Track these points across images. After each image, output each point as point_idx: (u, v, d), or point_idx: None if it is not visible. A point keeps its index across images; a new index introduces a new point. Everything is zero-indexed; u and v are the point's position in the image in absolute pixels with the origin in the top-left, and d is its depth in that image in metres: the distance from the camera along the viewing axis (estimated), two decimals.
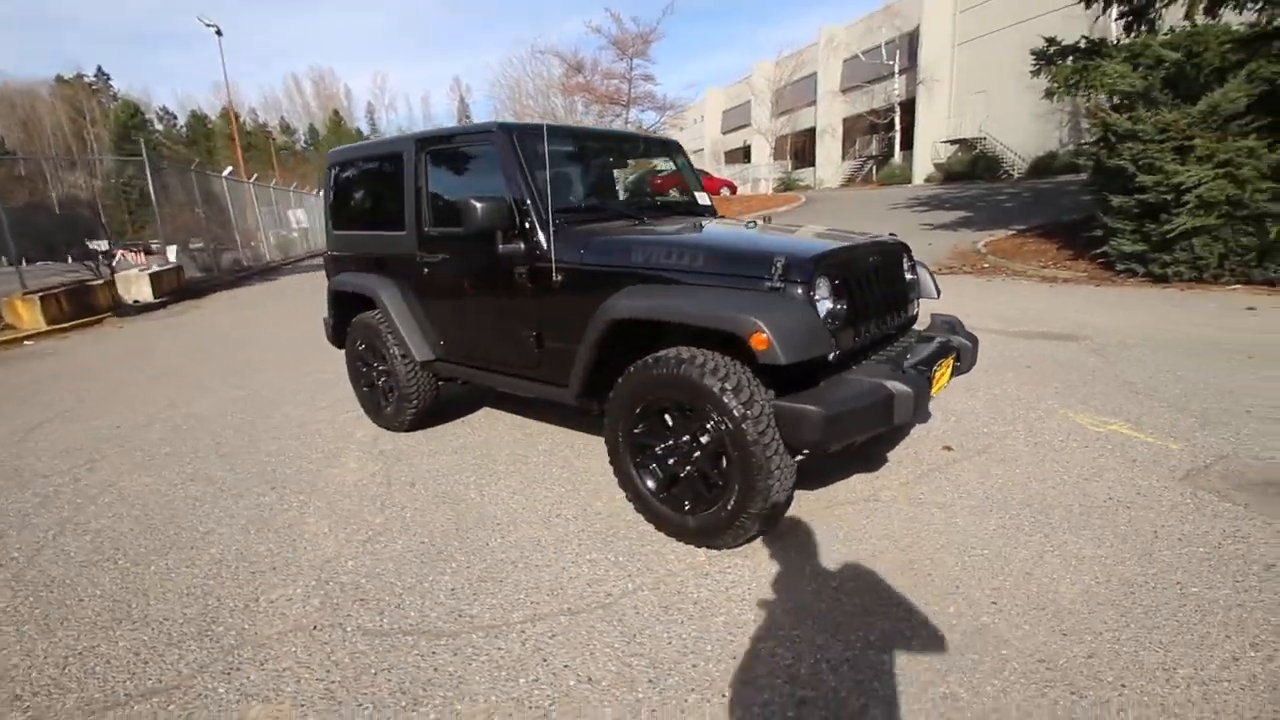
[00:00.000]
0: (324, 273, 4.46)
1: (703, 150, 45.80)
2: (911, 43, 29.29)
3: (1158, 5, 9.90)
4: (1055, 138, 24.26)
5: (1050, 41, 11.01)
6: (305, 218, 25.58)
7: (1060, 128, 24.11)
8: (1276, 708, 1.65)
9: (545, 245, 2.93)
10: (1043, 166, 23.29)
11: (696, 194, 3.97)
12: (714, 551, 2.51)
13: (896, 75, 30.12)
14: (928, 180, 28.46)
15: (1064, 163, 22.75)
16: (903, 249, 3.06)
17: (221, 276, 14.98)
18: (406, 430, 4.05)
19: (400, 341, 3.73)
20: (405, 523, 2.92)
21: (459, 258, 3.37)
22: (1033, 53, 10.96)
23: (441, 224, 3.44)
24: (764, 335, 2.12)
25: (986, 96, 26.61)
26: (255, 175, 22.82)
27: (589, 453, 3.59)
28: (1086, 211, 12.71)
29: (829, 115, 34.95)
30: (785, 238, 2.87)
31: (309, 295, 11.87)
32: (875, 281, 2.71)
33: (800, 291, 2.32)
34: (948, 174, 26.98)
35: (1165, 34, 9.47)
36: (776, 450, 2.24)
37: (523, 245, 3.00)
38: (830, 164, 35.48)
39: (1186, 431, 3.40)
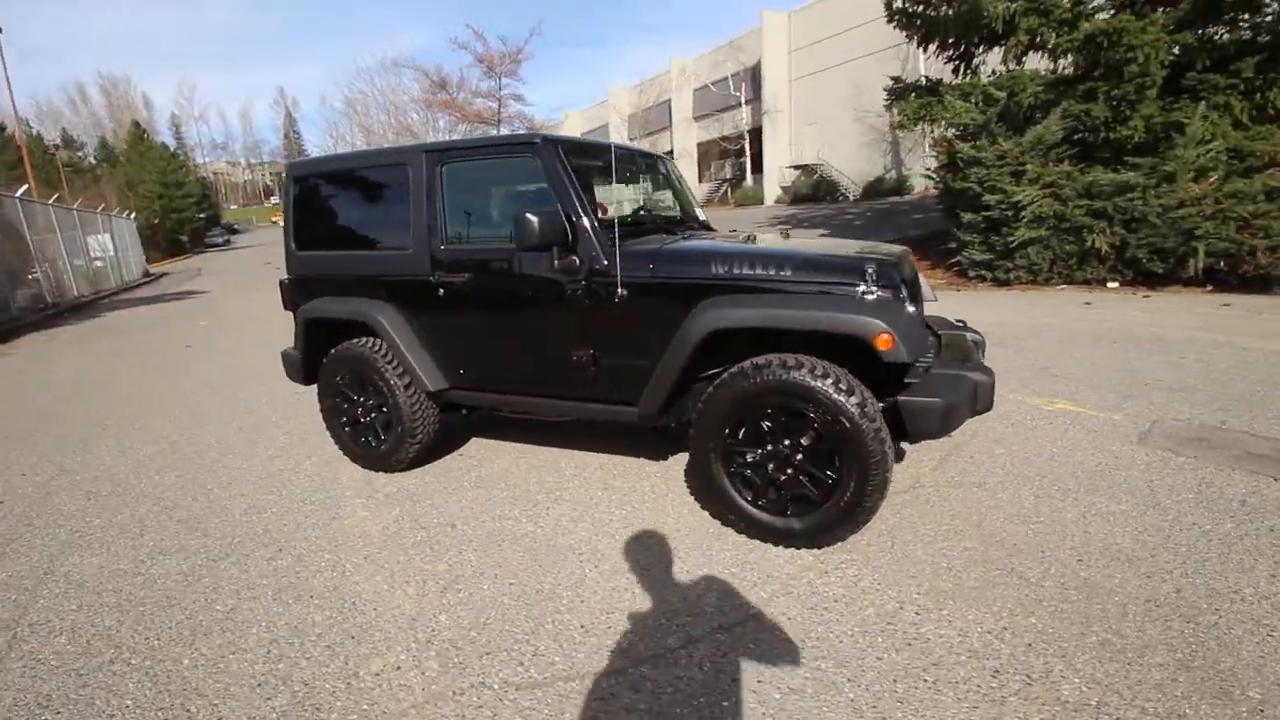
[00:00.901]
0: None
1: None
2: (755, 76, 31.92)
3: (979, 51, 11.71)
4: (880, 164, 27.69)
5: (896, 80, 12.67)
6: (111, 244, 21.98)
7: (884, 155, 27.58)
8: None
9: (605, 259, 2.86)
10: (872, 190, 26.42)
11: (696, 210, 4.08)
12: (817, 551, 2.59)
13: (743, 105, 32.63)
14: (777, 201, 31.07)
15: (890, 186, 26.09)
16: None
17: (23, 317, 12.41)
18: (405, 469, 3.67)
19: (407, 370, 3.40)
20: (475, 566, 2.66)
21: (491, 276, 3.15)
22: (885, 90, 12.52)
23: (467, 241, 3.21)
24: (890, 336, 2.27)
25: (820, 127, 29.69)
26: (56, 195, 19.25)
27: (621, 472, 3.51)
28: (932, 228, 14.66)
29: (684, 140, 36.91)
30: (848, 248, 3.05)
31: (162, 331, 10.27)
32: (915, 285, 2.98)
33: (890, 295, 2.50)
34: (795, 196, 29.68)
35: (989, 76, 11.28)
36: (888, 444, 2.39)
37: (577, 260, 2.90)
38: (689, 186, 37.41)
39: (1115, 404, 4.09)
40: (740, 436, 2.63)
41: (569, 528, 2.94)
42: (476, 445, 4.09)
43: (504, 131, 23.42)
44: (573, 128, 47.02)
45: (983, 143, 9.86)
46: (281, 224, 3.95)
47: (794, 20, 30.83)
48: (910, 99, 11.80)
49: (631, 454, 3.73)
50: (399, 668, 2.07)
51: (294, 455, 4.13)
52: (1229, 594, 2.19)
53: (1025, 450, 3.50)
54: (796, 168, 31.14)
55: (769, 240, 3.25)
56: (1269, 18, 8.65)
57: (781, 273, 2.63)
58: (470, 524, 3.04)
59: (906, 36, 12.68)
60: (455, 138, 23.67)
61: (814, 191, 28.74)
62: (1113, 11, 9.33)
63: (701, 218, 4.07)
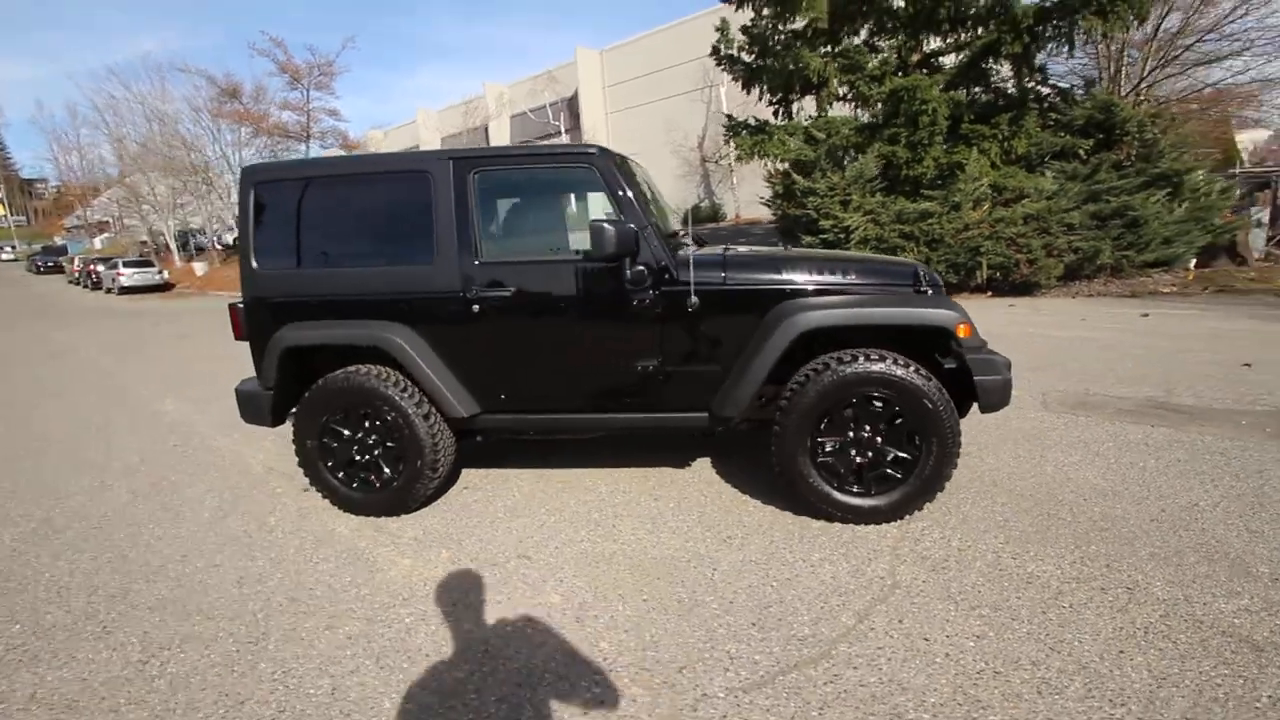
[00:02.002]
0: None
1: None
2: (573, 106, 32.90)
3: (796, 98, 13.45)
4: (694, 194, 30.17)
5: (730, 118, 14.05)
6: None
7: (698, 186, 30.12)
8: None
9: (675, 269, 2.90)
10: (690, 218, 28.64)
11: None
12: (901, 524, 2.89)
13: (564, 134, 33.37)
14: None
15: (706, 214, 28.53)
16: None
17: None
18: (419, 507, 3.27)
19: (431, 396, 3.06)
20: (595, 592, 2.50)
21: (543, 289, 2.98)
22: (724, 126, 13.83)
23: (509, 253, 3.01)
24: (968, 325, 2.66)
25: (639, 159, 31.43)
26: None
27: (655, 481, 3.51)
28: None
29: None
30: (880, 255, 3.43)
31: None
32: None
33: (938, 293, 2.92)
34: None
35: (807, 119, 13.06)
36: (957, 420, 2.77)
37: (644, 269, 2.90)
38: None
39: None
40: (822, 428, 2.84)
41: (654, 539, 2.89)
42: (470, 476, 3.77)
43: (314, 146, 21.24)
44: (377, 148, 44.08)
45: (816, 175, 11.38)
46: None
47: (606, 58, 32.46)
48: (744, 135, 13.16)
49: (647, 464, 3.74)
50: (604, 702, 1.92)
51: (243, 513, 3.43)
52: (1191, 507, 2.92)
53: (971, 423, 4.19)
54: None
55: (841, 252, 3.56)
56: (1010, 84, 11.32)
57: (847, 277, 2.92)
58: (544, 552, 2.84)
59: (732, 79, 14.23)
60: (253, 149, 20.94)
61: None
62: (900, 72, 11.46)
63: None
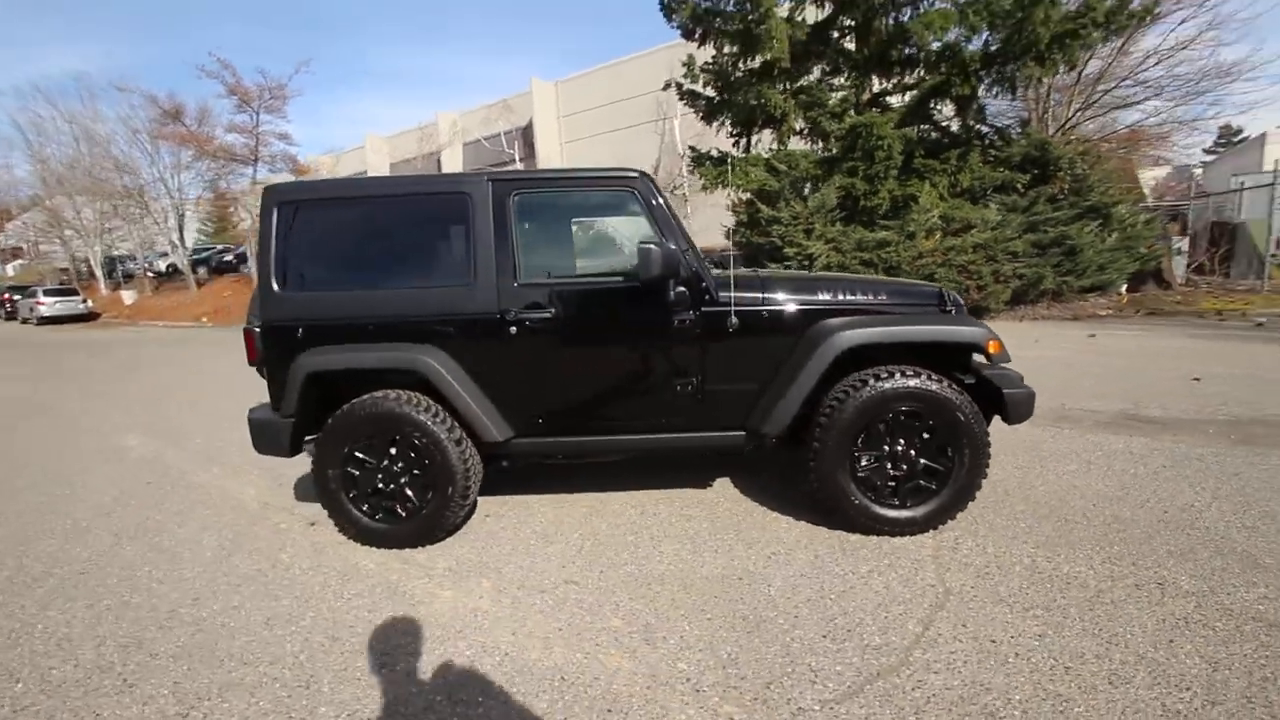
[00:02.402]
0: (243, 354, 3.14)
1: None
2: (527, 135, 33.12)
3: (757, 131, 13.96)
4: None
5: (693, 149, 14.45)
6: None
7: None
8: None
9: (714, 290, 2.97)
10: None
11: None
12: (934, 534, 2.99)
13: (518, 162, 33.48)
14: None
15: None
16: None
17: None
18: (444, 537, 3.17)
19: (465, 420, 3.00)
20: (656, 613, 2.48)
21: (584, 311, 2.99)
22: (688, 158, 14.22)
23: (549, 275, 3.01)
24: (998, 342, 2.82)
25: None
26: None
27: (682, 501, 3.52)
28: None
29: None
30: (904, 279, 3.58)
31: None
32: None
33: (960, 312, 3.09)
34: None
35: (767, 151, 13.57)
36: (986, 431, 2.92)
37: (687, 291, 2.96)
38: None
39: None
40: (862, 445, 2.94)
41: (699, 559, 2.89)
42: (488, 504, 3.68)
43: (263, 170, 20.55)
44: (330, 173, 43.05)
45: (780, 205, 11.80)
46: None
47: (561, 89, 32.96)
48: (708, 166, 13.55)
49: (669, 485, 3.75)
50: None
51: (249, 551, 3.24)
52: (1189, 508, 3.14)
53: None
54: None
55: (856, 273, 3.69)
56: (953, 123, 12.11)
57: (879, 298, 3.06)
58: (590, 576, 2.79)
59: (695, 113, 14.68)
60: (194, 173, 20.10)
61: None
62: (855, 110, 12.11)
63: None
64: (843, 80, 12.65)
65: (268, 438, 3.15)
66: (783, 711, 1.92)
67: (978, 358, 3.11)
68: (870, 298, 3.07)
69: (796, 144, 13.80)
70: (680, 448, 3.18)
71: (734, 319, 2.95)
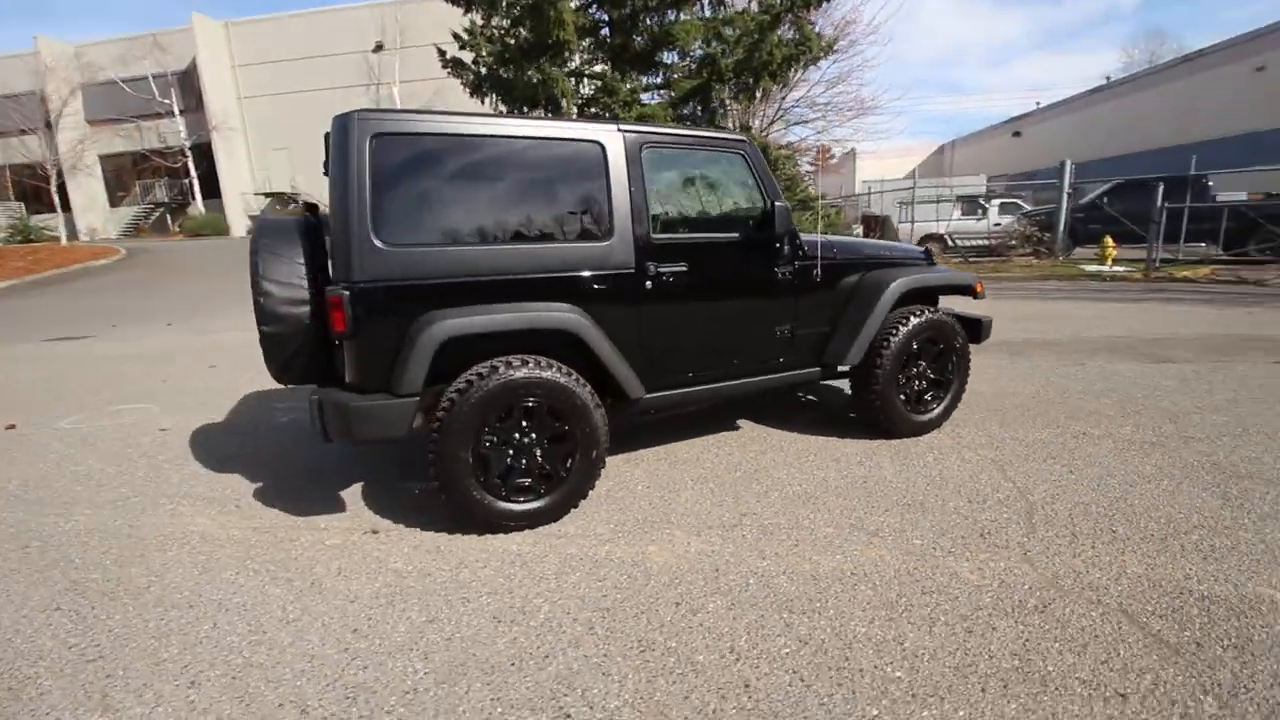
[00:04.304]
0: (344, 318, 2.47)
1: None
2: (189, 82, 26.68)
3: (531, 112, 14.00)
4: None
5: None
6: None
7: None
8: None
9: (807, 246, 3.42)
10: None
11: None
12: (943, 431, 3.94)
13: (178, 114, 26.79)
14: (249, 233, 27.04)
15: None
16: None
17: None
18: (573, 508, 3.00)
19: (617, 378, 2.91)
20: (847, 515, 2.86)
21: (710, 265, 3.12)
22: None
23: (676, 229, 3.03)
24: (981, 285, 3.86)
25: (295, 153, 27.44)
26: None
27: (762, 439, 3.90)
28: None
29: (76, 148, 27.35)
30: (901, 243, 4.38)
31: None
32: None
33: (933, 264, 4.10)
34: None
35: None
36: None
37: (787, 247, 3.33)
38: (97, 209, 27.97)
39: None
40: (906, 371, 3.74)
41: (821, 474, 3.32)
42: None
43: None
44: None
45: None
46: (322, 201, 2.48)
47: (233, 32, 27.33)
48: None
49: (710, 432, 4.08)
50: (1003, 575, 2.43)
51: (341, 573, 2.59)
52: (1137, 383, 4.74)
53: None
54: (267, 195, 27.76)
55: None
56: (703, 122, 14.02)
57: (894, 255, 3.88)
58: (756, 505, 3.00)
59: (463, 85, 14.04)
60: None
61: None
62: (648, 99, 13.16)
63: None
64: (606, 69, 13.54)
65: (376, 423, 2.54)
66: (983, 542, 2.58)
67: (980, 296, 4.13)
68: (890, 254, 3.89)
69: None
70: (769, 388, 3.55)
71: (818, 271, 3.46)
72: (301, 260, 2.75)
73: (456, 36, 13.26)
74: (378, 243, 2.50)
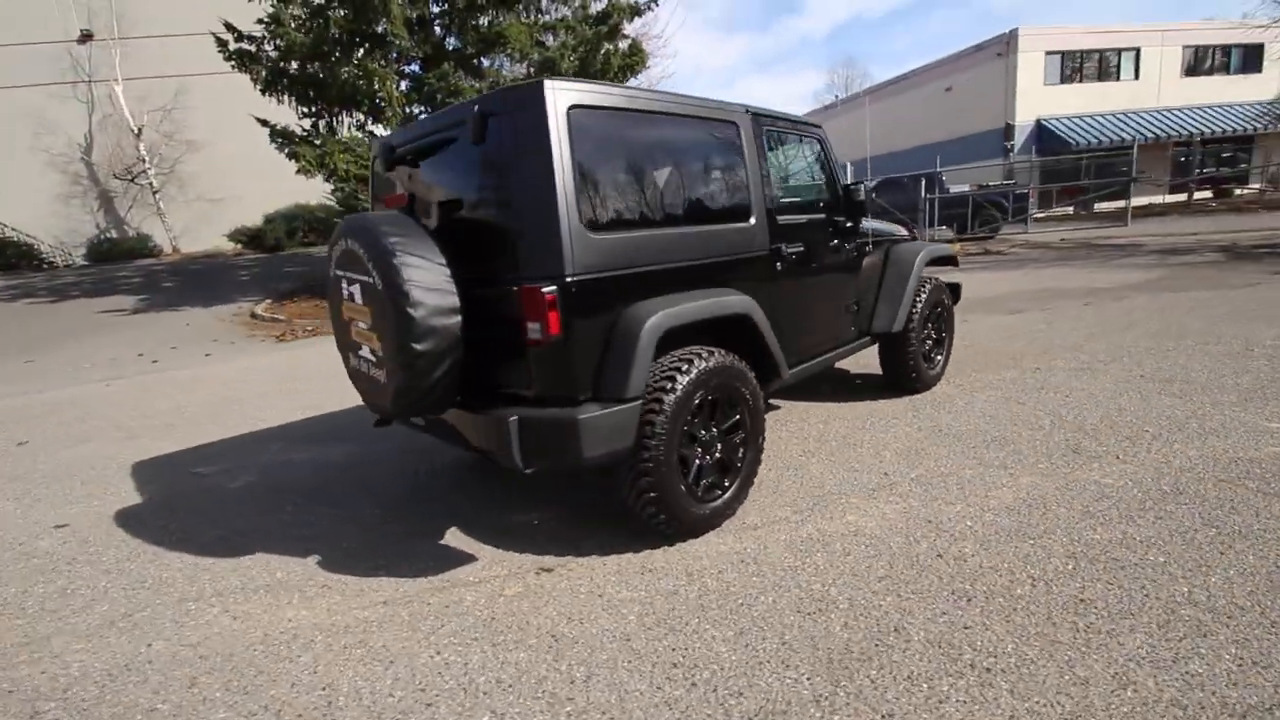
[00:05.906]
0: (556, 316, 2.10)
1: None
2: None
3: (338, 112, 12.55)
4: (93, 222, 22.22)
5: (266, 123, 11.87)
6: None
7: (96, 212, 22.24)
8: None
9: (863, 224, 3.72)
10: (106, 253, 21.11)
11: None
12: (944, 383, 4.56)
13: None
14: None
15: (131, 247, 21.53)
16: None
17: None
18: (743, 500, 2.91)
19: (777, 362, 2.92)
20: (991, 451, 3.22)
21: (815, 245, 3.24)
22: (276, 135, 11.60)
23: (795, 210, 3.10)
24: (960, 250, 4.53)
25: None
26: None
27: (814, 412, 4.10)
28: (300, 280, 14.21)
29: None
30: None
31: None
32: None
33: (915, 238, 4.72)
34: None
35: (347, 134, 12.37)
36: None
37: (854, 225, 3.61)
38: None
39: None
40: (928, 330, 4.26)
41: (913, 426, 3.67)
42: None
43: None
44: None
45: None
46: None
47: None
48: (305, 147, 11.58)
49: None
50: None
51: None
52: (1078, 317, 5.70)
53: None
54: None
55: None
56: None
57: (900, 232, 4.38)
58: (933, 448, 3.21)
59: (253, 81, 12.07)
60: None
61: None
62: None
63: None
64: (448, 68, 12.70)
65: (605, 437, 2.21)
66: (1078, 456, 3.15)
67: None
68: (899, 231, 4.39)
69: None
70: (839, 358, 3.79)
71: (870, 246, 3.80)
72: (443, 260, 2.28)
73: (229, 27, 11.37)
74: (586, 230, 2.19)
